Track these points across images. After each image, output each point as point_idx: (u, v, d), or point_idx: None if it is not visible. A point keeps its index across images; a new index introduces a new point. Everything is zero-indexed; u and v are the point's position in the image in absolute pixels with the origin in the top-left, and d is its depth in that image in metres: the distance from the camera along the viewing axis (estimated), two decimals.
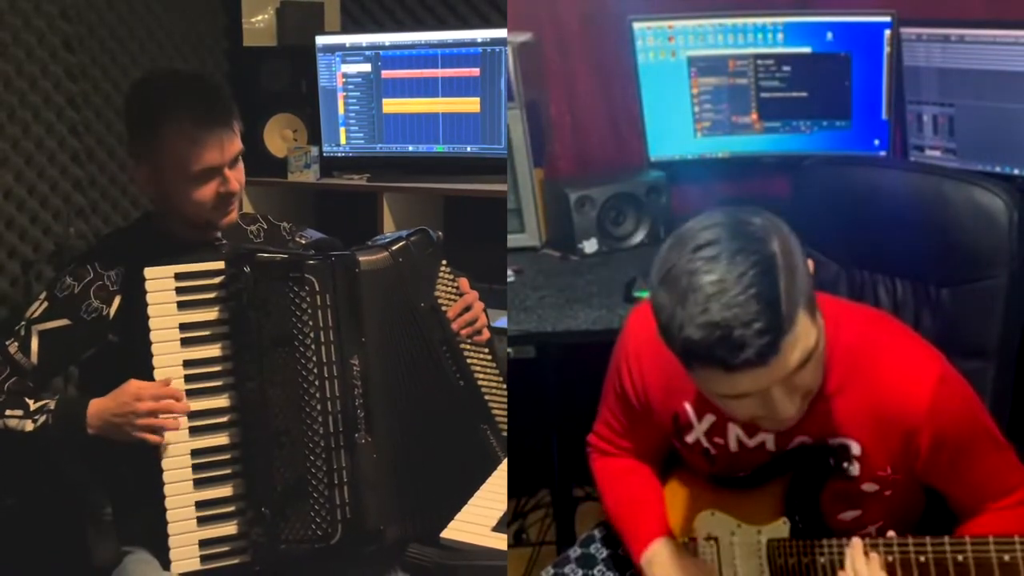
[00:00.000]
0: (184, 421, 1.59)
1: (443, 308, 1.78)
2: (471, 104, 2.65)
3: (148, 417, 1.55)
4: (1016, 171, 2.08)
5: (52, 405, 1.59)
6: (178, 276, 1.60)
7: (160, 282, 1.60)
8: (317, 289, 1.63)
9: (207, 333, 1.61)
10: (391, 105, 2.74)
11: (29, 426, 1.57)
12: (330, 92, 2.77)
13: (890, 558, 1.27)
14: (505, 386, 1.83)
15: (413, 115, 2.72)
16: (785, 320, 1.10)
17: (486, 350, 1.83)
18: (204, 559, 1.58)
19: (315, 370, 1.62)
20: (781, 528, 1.42)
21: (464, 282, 1.83)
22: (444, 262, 1.80)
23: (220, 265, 1.62)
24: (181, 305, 1.60)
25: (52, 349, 1.64)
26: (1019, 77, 2.02)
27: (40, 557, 2.04)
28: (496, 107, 2.61)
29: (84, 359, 1.71)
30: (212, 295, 1.62)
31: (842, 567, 1.32)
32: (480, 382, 1.80)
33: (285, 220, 1.94)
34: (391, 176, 2.74)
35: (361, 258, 1.69)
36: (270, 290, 1.61)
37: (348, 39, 2.75)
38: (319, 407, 1.62)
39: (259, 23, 2.87)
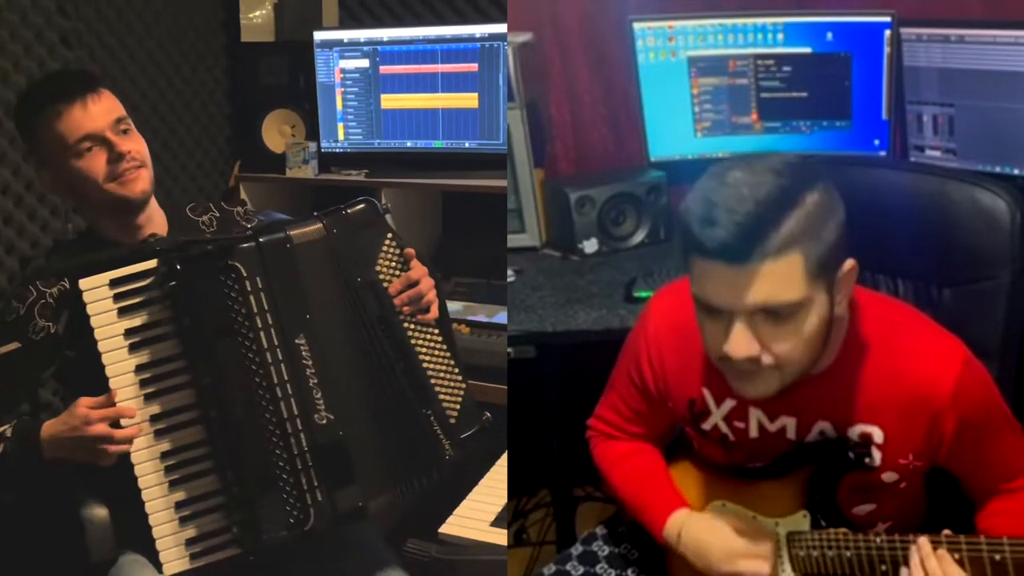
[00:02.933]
0: (145, 426, 1.57)
1: (385, 284, 1.71)
2: (469, 100, 2.64)
3: (101, 429, 1.53)
4: (1016, 171, 2.09)
5: (9, 432, 1.57)
6: (112, 283, 1.59)
7: (96, 291, 1.58)
8: (244, 275, 1.60)
9: (152, 335, 1.59)
10: (389, 101, 2.73)
11: None
12: (328, 88, 2.76)
13: (957, 555, 1.25)
14: (458, 370, 1.74)
15: (411, 111, 2.71)
16: (771, 235, 1.14)
17: (436, 331, 1.75)
18: (193, 557, 1.57)
19: (257, 358, 1.59)
20: (801, 521, 1.42)
21: (411, 252, 1.74)
22: (390, 235, 1.73)
23: (152, 264, 1.60)
24: (121, 311, 1.59)
25: (9, 374, 1.63)
26: (1019, 77, 2.03)
27: (37, 555, 2.03)
28: (495, 103, 2.60)
29: (49, 375, 1.71)
30: (149, 296, 1.60)
31: (870, 563, 1.32)
32: (426, 365, 1.72)
33: (240, 206, 1.92)
34: (389, 172, 2.73)
35: (292, 232, 1.65)
36: (203, 283, 1.59)
37: (346, 35, 2.73)
38: (268, 395, 1.59)
39: (257, 19, 2.86)
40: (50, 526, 1.89)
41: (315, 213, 1.71)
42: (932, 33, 2.13)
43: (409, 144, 2.73)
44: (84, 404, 1.54)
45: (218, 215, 1.88)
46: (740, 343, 1.20)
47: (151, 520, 1.56)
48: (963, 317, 1.55)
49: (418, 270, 1.73)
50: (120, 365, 1.58)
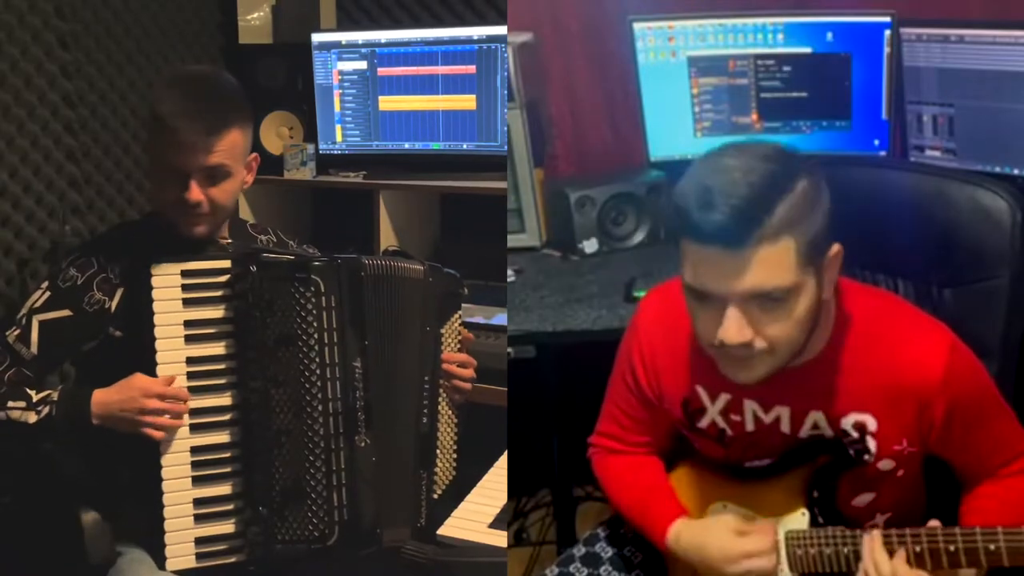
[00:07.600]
0: (186, 419, 1.58)
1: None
2: (468, 101, 2.64)
3: (153, 414, 1.54)
4: (1016, 171, 2.09)
5: (55, 396, 1.57)
6: (184, 273, 1.60)
7: (166, 279, 1.59)
8: (322, 290, 1.63)
9: (211, 331, 1.61)
10: (387, 102, 2.72)
11: (32, 418, 1.56)
12: (326, 89, 2.76)
13: (917, 548, 1.26)
14: (456, 456, 1.84)
15: (409, 112, 2.71)
16: (767, 220, 1.15)
17: (456, 412, 1.85)
18: (199, 557, 1.58)
19: (317, 371, 1.62)
20: (799, 519, 1.42)
21: (471, 337, 1.88)
22: (460, 313, 1.85)
23: (226, 264, 1.62)
24: (186, 302, 1.60)
25: (52, 340, 1.63)
26: (1019, 77, 2.03)
27: (35, 556, 2.02)
28: (493, 104, 2.60)
29: (84, 352, 1.69)
30: (217, 293, 1.62)
31: None
32: (439, 434, 1.80)
33: (282, 222, 1.95)
34: (387, 173, 2.73)
35: (367, 262, 1.70)
36: (275, 290, 1.61)
37: (344, 36, 2.73)
38: (320, 408, 1.62)
39: (255, 20, 2.85)
40: (48, 526, 1.89)
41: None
42: (932, 33, 2.13)
43: (407, 146, 2.73)
44: (141, 378, 1.56)
45: (275, 240, 1.91)
46: (734, 328, 1.21)
47: (166, 512, 1.57)
48: (963, 317, 1.55)
49: (471, 358, 1.85)
50: (172, 354, 1.59)
